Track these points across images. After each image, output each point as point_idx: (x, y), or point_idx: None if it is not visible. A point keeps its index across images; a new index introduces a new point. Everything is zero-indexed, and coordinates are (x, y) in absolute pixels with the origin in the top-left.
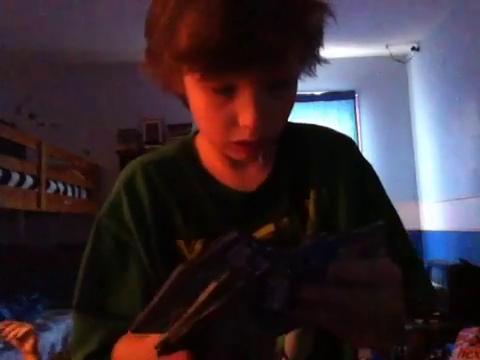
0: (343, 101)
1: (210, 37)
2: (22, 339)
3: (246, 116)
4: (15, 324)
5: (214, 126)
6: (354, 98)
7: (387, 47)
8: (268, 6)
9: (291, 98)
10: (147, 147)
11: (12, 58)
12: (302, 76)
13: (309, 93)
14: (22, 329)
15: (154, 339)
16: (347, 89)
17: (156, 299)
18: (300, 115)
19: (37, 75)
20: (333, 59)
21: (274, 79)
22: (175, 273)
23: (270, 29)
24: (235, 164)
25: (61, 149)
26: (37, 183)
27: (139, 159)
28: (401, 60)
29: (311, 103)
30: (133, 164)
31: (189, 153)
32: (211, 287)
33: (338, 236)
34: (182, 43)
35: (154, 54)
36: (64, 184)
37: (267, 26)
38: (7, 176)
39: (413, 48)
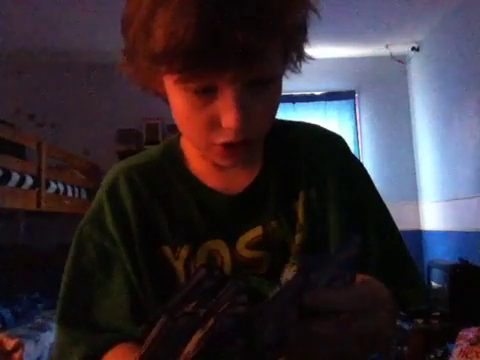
0: (343, 101)
1: (185, 38)
2: (9, 354)
3: (228, 117)
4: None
5: (196, 128)
6: (354, 98)
7: (387, 47)
8: (243, 5)
9: (275, 97)
10: (147, 147)
11: (12, 58)
12: (287, 74)
13: (309, 93)
14: (10, 342)
15: None
16: (347, 89)
17: (142, 352)
18: (300, 115)
19: (37, 75)
20: (333, 59)
21: (255, 78)
22: (158, 326)
23: (246, 28)
24: (221, 166)
25: (61, 149)
26: (37, 183)
27: (122, 164)
28: (401, 60)
29: (311, 103)
30: (115, 169)
31: (173, 155)
32: (198, 336)
33: (311, 263)
34: (157, 44)
35: (131, 54)
36: (64, 184)
37: (242, 25)
38: (7, 176)
39: (413, 48)
